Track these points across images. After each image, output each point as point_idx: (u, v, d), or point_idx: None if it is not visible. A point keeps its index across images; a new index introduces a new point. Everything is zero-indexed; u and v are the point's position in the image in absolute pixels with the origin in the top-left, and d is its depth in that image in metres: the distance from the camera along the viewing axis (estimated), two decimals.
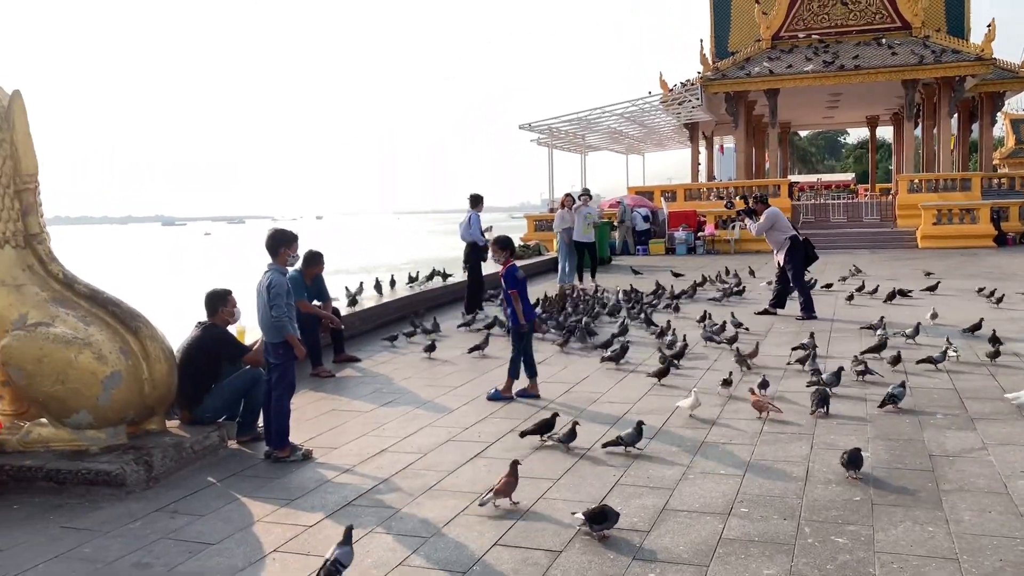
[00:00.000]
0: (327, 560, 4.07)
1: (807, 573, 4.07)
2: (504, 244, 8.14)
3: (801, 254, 12.03)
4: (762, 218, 12.15)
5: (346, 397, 8.22)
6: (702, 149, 41.83)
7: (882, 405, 6.96)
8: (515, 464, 5.08)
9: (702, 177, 40.60)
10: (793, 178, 47.69)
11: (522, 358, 7.86)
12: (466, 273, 14.44)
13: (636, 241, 26.43)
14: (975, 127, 39.30)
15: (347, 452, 6.36)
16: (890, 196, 33.40)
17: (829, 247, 25.25)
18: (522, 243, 24.67)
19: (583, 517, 4.53)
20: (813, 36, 32.45)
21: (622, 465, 5.77)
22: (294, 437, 6.36)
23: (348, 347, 10.24)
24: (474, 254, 13.95)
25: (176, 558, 4.51)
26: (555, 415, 6.41)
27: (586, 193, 17.74)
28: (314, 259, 9.43)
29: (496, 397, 7.78)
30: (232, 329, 7.34)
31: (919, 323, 10.17)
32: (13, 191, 6.01)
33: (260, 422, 6.71)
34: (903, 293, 13.41)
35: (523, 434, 6.32)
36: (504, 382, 7.87)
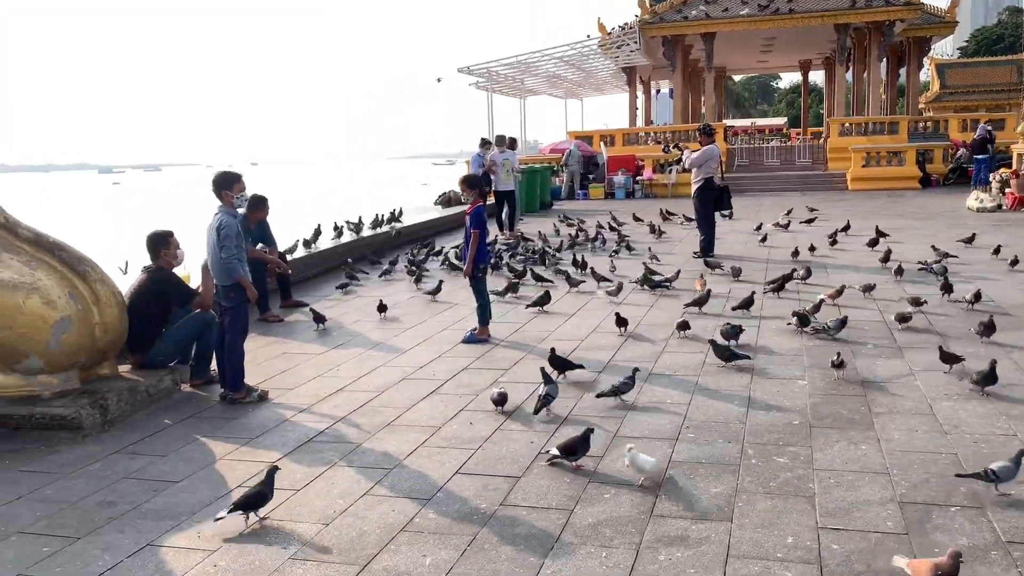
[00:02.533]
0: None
1: (752, 490, 4.34)
2: (473, 183, 8.08)
3: (712, 195, 12.28)
4: (698, 153, 12.31)
5: (297, 341, 8.24)
6: (639, 93, 41.94)
7: (815, 332, 7.35)
8: None
9: (639, 121, 40.80)
10: (727, 122, 48.23)
11: (478, 301, 7.92)
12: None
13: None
14: (903, 71, 40.18)
15: (303, 393, 6.42)
16: (821, 140, 34.12)
17: (763, 189, 25.88)
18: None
19: (557, 451, 4.71)
20: None
21: (574, 397, 5.97)
22: (248, 380, 6.40)
23: (295, 292, 10.24)
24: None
25: (141, 496, 4.57)
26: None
27: (507, 141, 17.07)
28: (258, 203, 9.33)
29: (471, 340, 7.81)
30: (177, 272, 7.28)
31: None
32: None
33: (213, 366, 6.73)
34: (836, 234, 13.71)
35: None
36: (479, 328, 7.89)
